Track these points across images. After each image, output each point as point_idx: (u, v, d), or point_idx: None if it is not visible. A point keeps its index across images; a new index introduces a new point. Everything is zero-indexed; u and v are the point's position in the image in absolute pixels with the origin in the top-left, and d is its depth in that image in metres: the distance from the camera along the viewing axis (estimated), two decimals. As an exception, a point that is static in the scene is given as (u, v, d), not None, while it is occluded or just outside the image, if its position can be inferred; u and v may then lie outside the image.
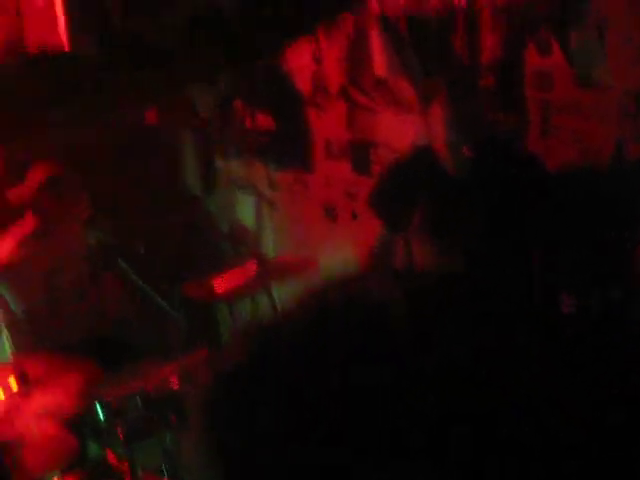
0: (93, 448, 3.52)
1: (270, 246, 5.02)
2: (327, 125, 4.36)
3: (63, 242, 3.88)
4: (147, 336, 3.90)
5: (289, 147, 4.59)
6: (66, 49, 4.22)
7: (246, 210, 5.11)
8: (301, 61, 4.28)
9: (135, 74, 4.15)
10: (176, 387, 3.27)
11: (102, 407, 3.28)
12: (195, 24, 4.02)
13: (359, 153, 4.22)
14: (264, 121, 4.59)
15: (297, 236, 4.81)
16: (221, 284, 3.70)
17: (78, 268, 3.91)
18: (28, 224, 3.86)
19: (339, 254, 4.33)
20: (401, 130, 3.83)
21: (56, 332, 3.81)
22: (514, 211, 3.03)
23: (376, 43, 3.73)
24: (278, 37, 4.03)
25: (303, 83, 4.36)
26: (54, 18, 4.24)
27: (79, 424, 3.29)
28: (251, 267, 3.66)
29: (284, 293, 3.90)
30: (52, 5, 4.24)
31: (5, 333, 3.82)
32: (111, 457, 3.41)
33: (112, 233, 3.08)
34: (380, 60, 3.77)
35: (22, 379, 3.13)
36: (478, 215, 3.03)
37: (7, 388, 3.14)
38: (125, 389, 3.32)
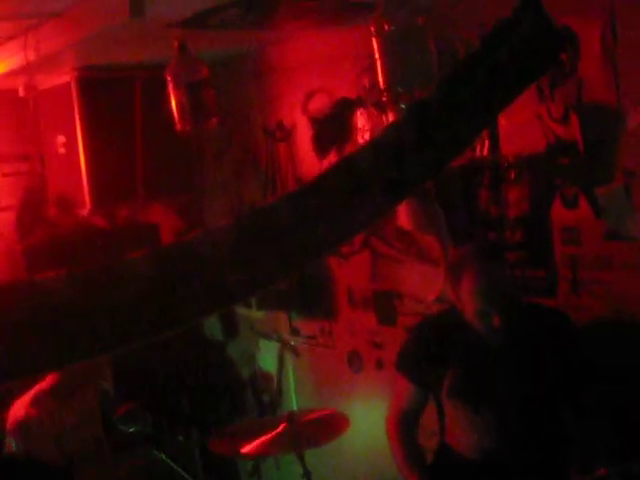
0: None
1: (292, 394, 4.95)
2: (350, 274, 4.37)
3: (78, 406, 3.84)
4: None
5: (312, 295, 4.58)
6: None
7: (268, 357, 5.07)
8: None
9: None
10: None
11: None
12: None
13: (383, 303, 4.20)
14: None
15: (320, 385, 4.74)
16: (247, 439, 3.61)
17: (88, 433, 3.86)
18: (48, 381, 3.82)
19: (365, 406, 4.25)
20: (426, 282, 3.82)
21: None
22: (547, 376, 2.99)
23: (400, 195, 3.75)
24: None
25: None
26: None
27: None
28: (280, 425, 3.57)
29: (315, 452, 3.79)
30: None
31: None
32: None
33: (149, 425, 3.01)
34: (404, 212, 3.79)
35: None
36: (510, 381, 2.99)
37: None
38: None
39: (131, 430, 3.05)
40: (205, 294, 1.34)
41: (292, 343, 4.85)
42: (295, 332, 4.83)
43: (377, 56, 2.67)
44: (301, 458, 3.51)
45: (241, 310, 5.14)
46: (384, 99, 2.68)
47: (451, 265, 3.12)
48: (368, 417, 4.19)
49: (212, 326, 5.26)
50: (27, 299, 1.24)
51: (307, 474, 3.53)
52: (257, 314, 5.00)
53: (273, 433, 3.55)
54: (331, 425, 3.67)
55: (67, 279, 1.27)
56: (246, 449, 3.52)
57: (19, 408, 3.77)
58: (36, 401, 3.77)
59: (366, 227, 1.64)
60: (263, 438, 3.53)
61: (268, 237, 1.44)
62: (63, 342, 1.24)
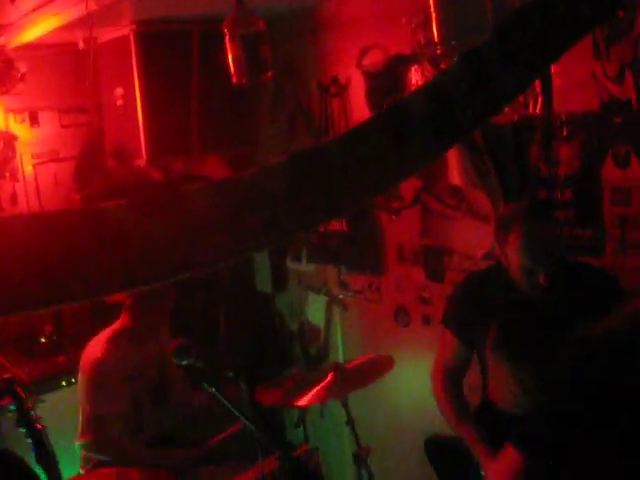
0: None
1: (339, 348, 5.03)
2: (400, 230, 4.41)
3: (147, 348, 3.95)
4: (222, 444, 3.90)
5: (362, 250, 4.63)
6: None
7: (316, 311, 5.14)
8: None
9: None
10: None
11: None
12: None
13: (432, 259, 4.24)
14: (337, 224, 4.65)
15: (367, 339, 4.81)
16: (294, 390, 3.69)
17: (151, 374, 3.97)
18: (122, 321, 3.93)
19: (411, 359, 4.31)
20: (476, 238, 3.85)
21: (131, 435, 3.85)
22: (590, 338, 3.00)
23: (452, 152, 3.77)
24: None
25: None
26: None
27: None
28: (328, 374, 3.64)
29: (359, 400, 3.87)
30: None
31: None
32: None
33: (201, 357, 3.11)
34: (455, 168, 3.81)
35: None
36: (552, 338, 3.01)
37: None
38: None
39: (184, 363, 3.14)
40: (260, 227, 1.40)
41: (340, 297, 4.92)
42: (343, 286, 4.90)
43: (432, 10, 2.69)
44: (345, 405, 3.59)
45: (291, 264, 5.22)
46: (438, 52, 2.71)
47: (499, 221, 3.15)
48: (414, 368, 4.24)
49: (262, 279, 5.35)
50: (91, 225, 1.31)
51: (351, 421, 3.61)
52: (306, 268, 5.08)
53: (320, 384, 3.61)
54: (376, 366, 3.73)
55: (129, 207, 1.34)
56: (293, 399, 3.60)
57: (95, 346, 3.86)
58: (113, 341, 3.86)
59: (415, 172, 1.68)
60: (310, 388, 3.60)
61: (318, 176, 1.49)
62: (127, 268, 1.31)
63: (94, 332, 3.94)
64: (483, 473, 3.09)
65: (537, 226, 2.98)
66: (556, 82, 3.42)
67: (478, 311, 3.18)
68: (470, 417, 3.25)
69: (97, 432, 3.70)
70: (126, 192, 4.78)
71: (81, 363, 3.83)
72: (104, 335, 3.87)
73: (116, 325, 3.91)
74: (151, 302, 3.89)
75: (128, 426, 3.81)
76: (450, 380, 3.34)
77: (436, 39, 2.69)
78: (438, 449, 3.40)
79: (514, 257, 2.99)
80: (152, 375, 3.95)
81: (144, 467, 3.54)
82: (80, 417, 3.78)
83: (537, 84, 3.44)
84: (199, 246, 1.36)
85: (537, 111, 3.51)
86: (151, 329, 3.95)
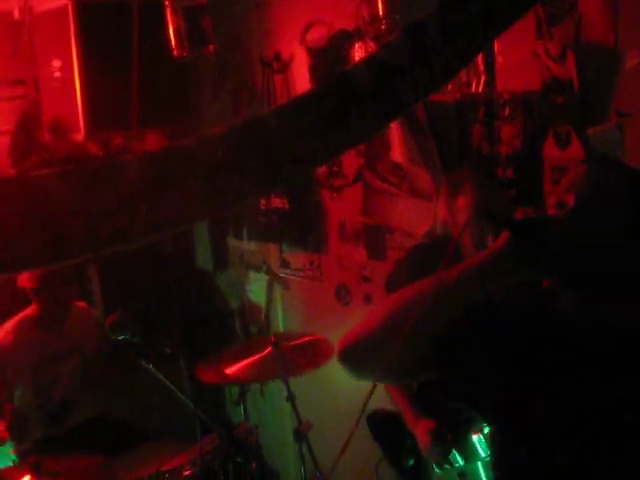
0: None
1: (279, 326, 5.01)
2: (342, 207, 4.39)
3: (62, 340, 3.91)
4: (160, 420, 3.87)
5: (303, 228, 4.61)
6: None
7: (257, 288, 5.12)
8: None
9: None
10: (188, 472, 3.24)
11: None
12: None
13: (374, 237, 4.23)
14: (278, 201, 4.62)
15: (308, 318, 4.80)
16: (234, 366, 3.66)
17: (77, 362, 3.93)
18: (31, 309, 3.88)
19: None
20: (417, 216, 3.85)
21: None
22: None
23: (394, 129, 3.77)
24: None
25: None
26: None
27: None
28: (267, 350, 3.62)
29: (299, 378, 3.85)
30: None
31: None
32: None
33: (138, 333, 3.08)
34: (398, 146, 3.81)
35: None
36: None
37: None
38: (139, 474, 3.28)
39: (120, 338, 3.10)
40: (198, 198, 1.37)
41: (281, 275, 4.90)
42: (285, 264, 4.87)
43: (376, -16, 2.67)
44: (286, 382, 3.57)
45: (232, 241, 5.18)
46: (383, 27, 2.69)
47: (448, 186, 3.15)
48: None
49: (202, 255, 5.30)
50: (20, 194, 1.26)
51: (291, 397, 3.60)
52: (248, 245, 5.05)
53: (259, 355, 3.60)
54: (316, 351, 3.72)
55: (60, 177, 1.29)
56: (232, 372, 3.57)
57: (0, 332, 3.82)
58: (19, 328, 3.82)
59: (355, 145, 1.66)
60: (249, 361, 3.58)
61: (259, 146, 1.46)
62: (58, 239, 1.27)
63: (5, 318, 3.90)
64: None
65: (484, 183, 3.02)
66: (499, 61, 3.43)
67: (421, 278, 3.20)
68: (409, 386, 3.28)
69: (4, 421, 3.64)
70: (63, 167, 4.68)
71: None
72: (11, 322, 3.84)
73: (24, 312, 3.87)
74: (55, 288, 3.84)
75: (46, 411, 3.77)
76: None
77: (380, 13, 2.67)
78: (380, 424, 3.42)
79: (464, 217, 3.00)
80: (73, 359, 3.91)
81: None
82: None
83: (480, 63, 3.45)
84: (134, 217, 1.32)
85: (480, 90, 3.52)
86: (56, 316, 3.91)
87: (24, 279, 3.79)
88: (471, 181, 3.01)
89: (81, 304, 4.21)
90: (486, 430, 3.05)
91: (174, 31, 3.44)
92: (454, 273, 1.81)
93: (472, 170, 3.23)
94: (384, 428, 3.41)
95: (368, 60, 1.72)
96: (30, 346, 3.81)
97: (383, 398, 3.38)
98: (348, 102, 1.55)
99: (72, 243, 1.28)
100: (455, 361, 1.84)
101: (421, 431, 3.13)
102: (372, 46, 3.82)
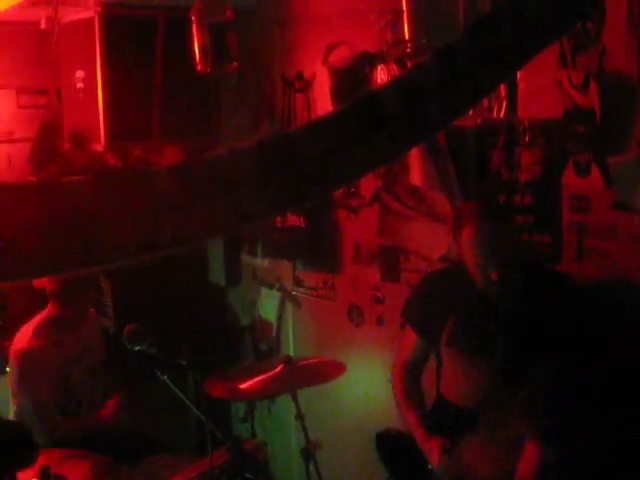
0: None
1: (290, 344, 5.00)
2: (358, 228, 4.40)
3: (81, 337, 3.93)
4: (169, 432, 3.87)
5: (318, 247, 4.61)
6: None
7: (269, 306, 5.11)
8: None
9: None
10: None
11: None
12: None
13: (389, 259, 4.23)
14: (295, 219, 4.63)
15: (319, 337, 4.79)
16: (244, 382, 3.66)
17: (91, 361, 3.95)
18: (49, 310, 3.89)
19: (363, 359, 4.31)
20: (433, 240, 3.85)
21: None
22: (545, 331, 3.03)
23: (414, 152, 3.77)
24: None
25: (336, 185, 4.41)
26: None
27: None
28: (277, 367, 3.62)
29: (308, 397, 3.84)
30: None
31: None
32: None
33: (155, 344, 3.09)
34: (416, 169, 3.81)
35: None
36: (505, 333, 3.04)
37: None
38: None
39: (136, 349, 3.11)
40: (222, 212, 1.38)
41: (294, 293, 4.89)
42: (298, 283, 4.87)
43: (404, 7, 2.68)
44: (295, 399, 3.56)
45: (245, 257, 5.19)
46: (408, 50, 2.70)
47: (456, 215, 3.17)
48: (365, 369, 4.24)
49: (215, 271, 5.31)
50: (50, 200, 1.27)
51: (300, 415, 3.59)
52: (261, 262, 5.05)
53: (269, 374, 3.59)
54: (327, 370, 3.71)
55: (90, 184, 1.30)
56: (242, 388, 3.57)
57: (22, 337, 3.82)
58: (40, 331, 3.82)
59: (383, 164, 1.67)
60: (259, 379, 3.58)
61: (284, 163, 1.47)
62: (86, 246, 1.28)
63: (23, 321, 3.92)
64: (430, 467, 3.13)
65: (488, 224, 3.02)
66: (521, 87, 3.44)
67: (439, 307, 3.22)
68: (422, 406, 3.29)
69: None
70: (85, 176, 4.70)
71: (10, 354, 3.81)
72: (31, 324, 3.85)
73: (43, 314, 3.88)
74: (75, 291, 3.86)
75: (66, 411, 3.79)
76: (408, 372, 3.41)
77: (407, 37, 2.68)
78: (389, 444, 3.42)
79: (467, 252, 3.02)
80: (90, 360, 3.94)
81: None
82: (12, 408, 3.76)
83: (502, 89, 3.46)
84: (161, 227, 1.33)
85: (501, 116, 3.53)
86: (74, 318, 3.93)
87: (45, 280, 3.80)
88: (476, 216, 3.01)
89: (92, 310, 4.23)
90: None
91: (199, 47, 3.45)
92: None
93: (482, 203, 3.23)
94: (393, 449, 3.40)
95: (398, 81, 1.73)
96: (53, 348, 3.82)
97: (394, 417, 3.38)
98: (376, 122, 1.56)
99: (100, 250, 1.29)
100: None
101: (432, 449, 3.13)
102: (395, 69, 3.83)
